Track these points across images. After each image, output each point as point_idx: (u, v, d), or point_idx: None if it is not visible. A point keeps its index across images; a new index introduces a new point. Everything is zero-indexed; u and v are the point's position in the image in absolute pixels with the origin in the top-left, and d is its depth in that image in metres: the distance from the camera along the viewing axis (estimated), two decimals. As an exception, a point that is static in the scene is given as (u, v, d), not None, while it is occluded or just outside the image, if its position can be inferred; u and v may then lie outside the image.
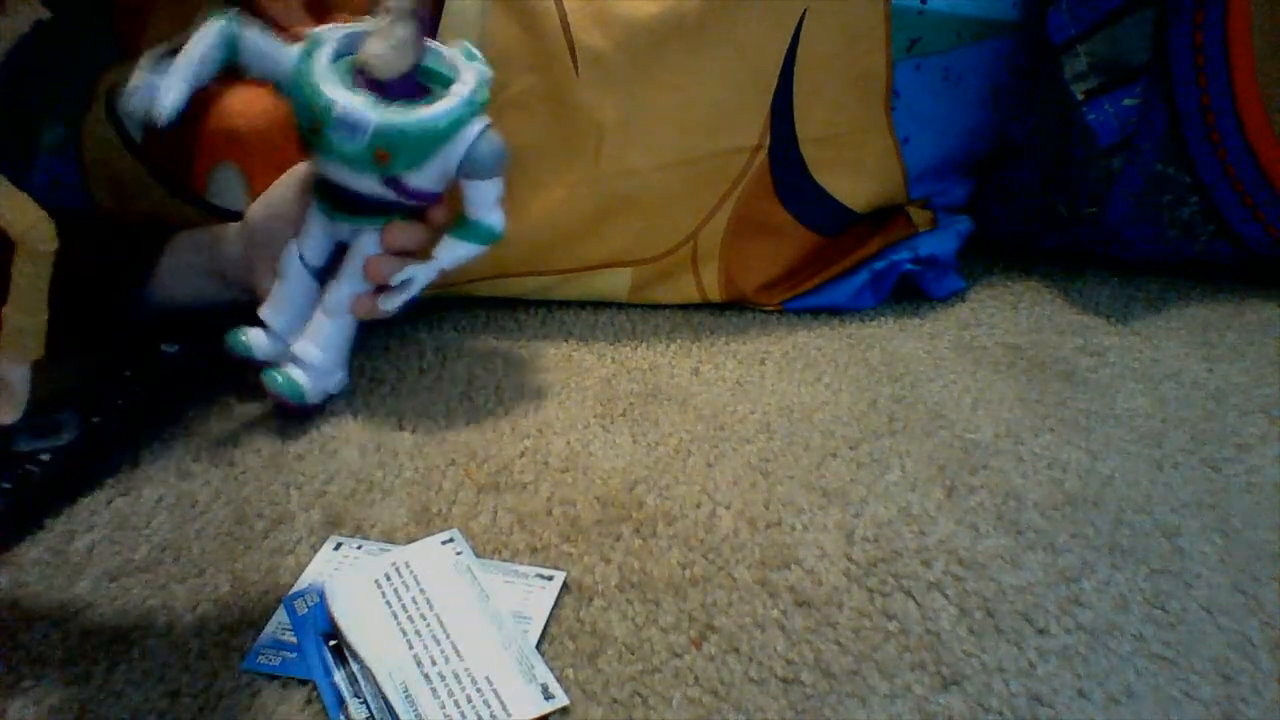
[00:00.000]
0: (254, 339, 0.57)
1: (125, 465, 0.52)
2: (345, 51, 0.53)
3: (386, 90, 0.52)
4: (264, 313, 0.57)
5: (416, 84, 0.53)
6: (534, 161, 0.64)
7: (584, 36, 0.62)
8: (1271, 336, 0.67)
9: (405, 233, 0.55)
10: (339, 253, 0.57)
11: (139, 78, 0.47)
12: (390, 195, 0.53)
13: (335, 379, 0.58)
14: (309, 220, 0.56)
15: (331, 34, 0.53)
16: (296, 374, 0.55)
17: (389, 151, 0.51)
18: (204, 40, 0.49)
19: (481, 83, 0.54)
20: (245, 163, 0.62)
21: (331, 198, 0.55)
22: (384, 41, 0.51)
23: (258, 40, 0.51)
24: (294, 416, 0.56)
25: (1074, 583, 0.44)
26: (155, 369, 0.58)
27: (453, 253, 0.56)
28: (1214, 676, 0.40)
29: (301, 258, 0.57)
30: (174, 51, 0.48)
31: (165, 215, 0.62)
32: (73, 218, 0.54)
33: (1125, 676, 0.40)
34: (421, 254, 0.56)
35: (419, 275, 0.56)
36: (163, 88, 0.47)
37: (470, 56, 0.56)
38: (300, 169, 0.58)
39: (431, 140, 0.52)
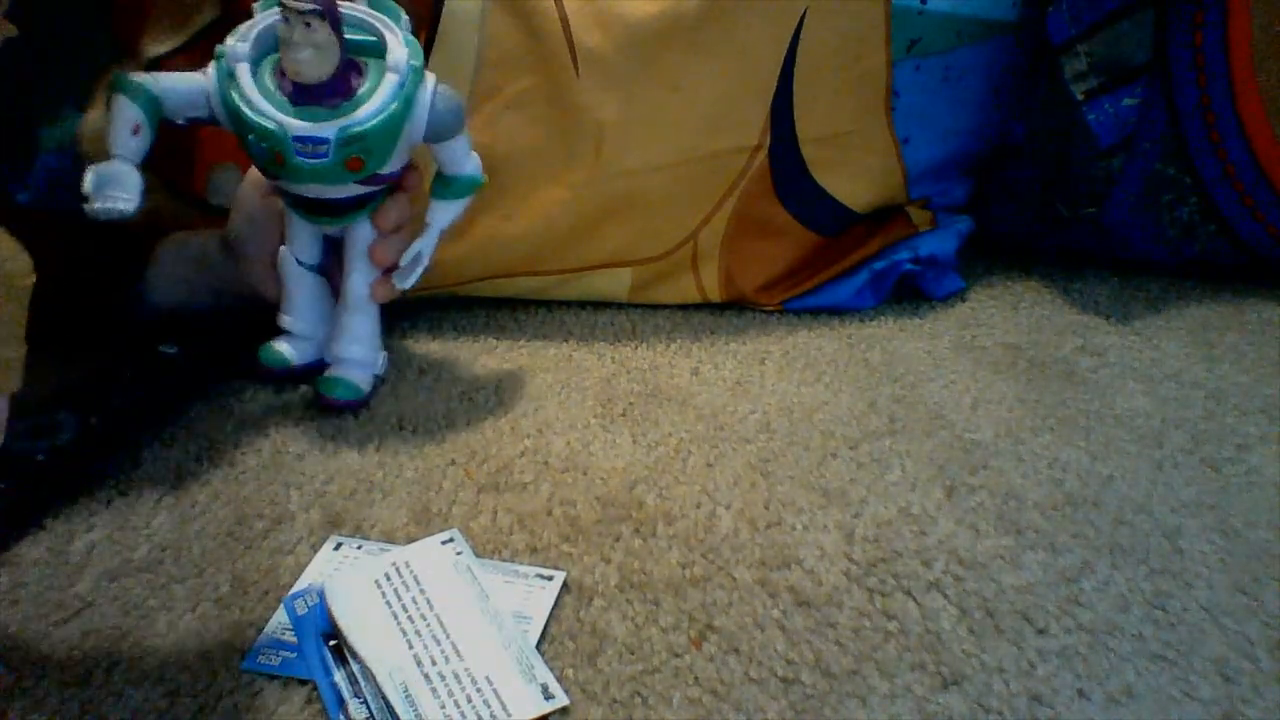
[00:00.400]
0: (286, 349, 0.58)
1: (125, 465, 0.52)
2: (261, 55, 0.51)
3: (323, 91, 0.49)
4: (284, 321, 0.58)
5: (350, 66, 0.50)
6: (534, 161, 0.64)
7: (584, 37, 0.62)
8: (1271, 336, 0.67)
9: (395, 210, 0.55)
10: (331, 242, 0.57)
11: (87, 185, 0.46)
12: (369, 189, 0.53)
13: (379, 363, 0.58)
14: (292, 225, 0.56)
15: (240, 47, 0.49)
16: (347, 375, 0.57)
17: (360, 156, 0.50)
18: (121, 122, 0.47)
19: (409, 39, 0.51)
20: (245, 163, 0.62)
21: (312, 208, 0.54)
22: (304, 49, 0.48)
23: (173, 86, 0.49)
24: (350, 411, 0.57)
25: (1074, 583, 0.44)
26: (154, 370, 0.58)
27: (444, 215, 0.56)
28: (1214, 676, 0.40)
29: (298, 260, 0.57)
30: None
31: (165, 216, 0.62)
32: (73, 218, 0.54)
33: (1125, 676, 0.40)
34: (415, 223, 0.56)
35: (424, 247, 0.56)
36: (111, 189, 0.46)
37: (373, 4, 0.52)
38: (255, 172, 0.57)
39: (395, 127, 0.50)
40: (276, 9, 0.49)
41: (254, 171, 0.57)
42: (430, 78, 0.51)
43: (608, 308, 0.70)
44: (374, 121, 0.49)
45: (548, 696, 0.38)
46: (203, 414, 0.57)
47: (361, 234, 0.55)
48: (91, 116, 0.62)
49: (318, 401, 0.57)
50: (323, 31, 0.48)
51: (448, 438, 0.55)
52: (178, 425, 0.56)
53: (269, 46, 0.51)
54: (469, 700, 0.38)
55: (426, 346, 0.64)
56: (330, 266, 0.58)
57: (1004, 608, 0.43)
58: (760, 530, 0.48)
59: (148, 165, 0.62)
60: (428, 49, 0.61)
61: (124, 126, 0.47)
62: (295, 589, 0.44)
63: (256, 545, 0.47)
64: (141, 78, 0.48)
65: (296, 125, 0.49)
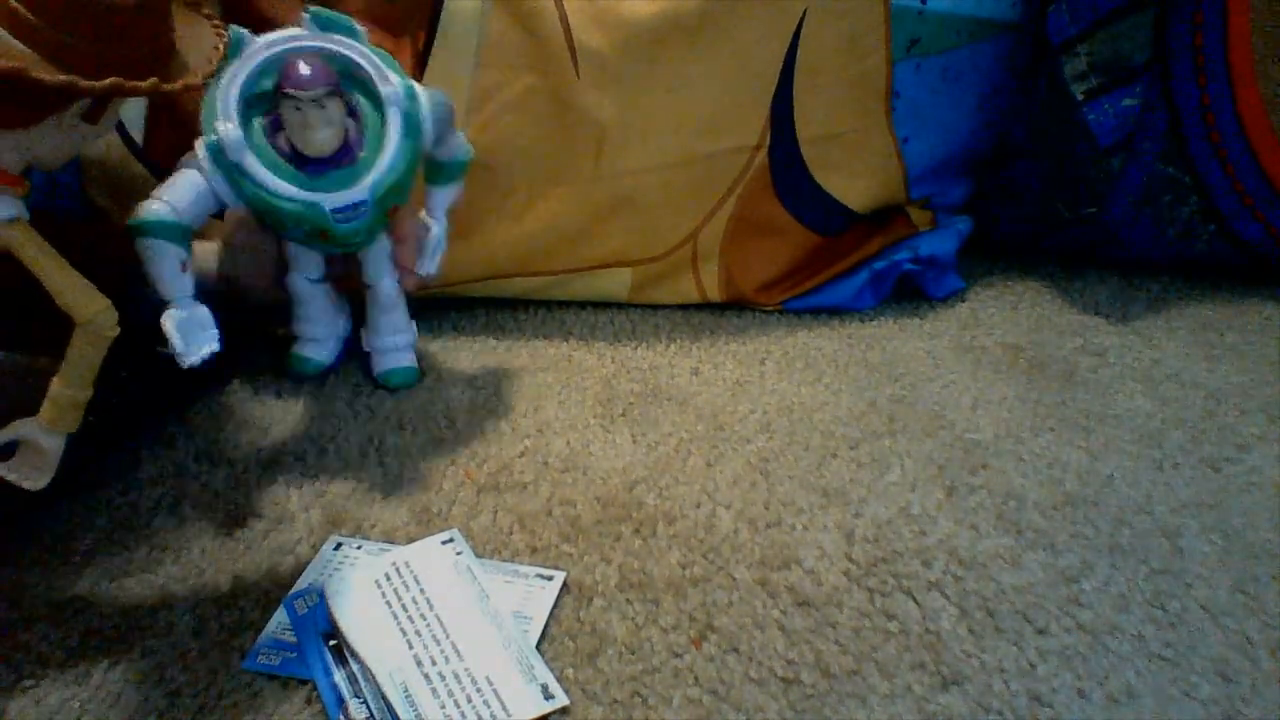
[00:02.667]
0: (314, 352, 0.60)
1: (125, 465, 0.52)
2: (250, 117, 0.49)
3: (336, 155, 0.49)
4: (303, 330, 0.60)
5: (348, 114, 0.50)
6: (534, 162, 0.64)
7: (584, 37, 0.62)
8: (1271, 336, 0.67)
9: (406, 219, 0.57)
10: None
11: (175, 343, 0.45)
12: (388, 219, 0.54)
13: (414, 334, 0.61)
14: (299, 253, 0.57)
15: (232, 133, 0.47)
16: (400, 362, 0.60)
17: (395, 200, 0.52)
18: (168, 264, 0.46)
19: (386, 60, 0.50)
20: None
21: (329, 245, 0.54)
22: (320, 130, 0.47)
23: (188, 206, 0.47)
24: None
25: (1074, 583, 0.44)
26: (152, 371, 0.58)
27: (446, 199, 0.57)
28: (1214, 676, 0.40)
29: (307, 279, 0.58)
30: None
31: None
32: (75, 218, 0.54)
33: (1125, 676, 0.40)
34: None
35: (439, 234, 0.57)
36: (195, 337, 0.45)
37: (323, 24, 0.50)
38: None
39: (414, 159, 0.51)
40: (237, 68, 0.48)
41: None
42: (419, 91, 0.52)
43: (608, 308, 0.70)
44: (399, 170, 0.50)
45: (548, 696, 0.38)
46: (203, 414, 0.57)
47: (380, 245, 0.57)
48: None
49: (377, 387, 0.60)
50: (335, 107, 0.48)
51: (448, 438, 0.55)
52: (178, 425, 0.56)
53: (245, 111, 0.48)
54: (469, 700, 0.38)
55: (427, 346, 0.64)
56: (332, 272, 0.59)
57: (1004, 608, 0.43)
58: (760, 530, 0.48)
59: (147, 167, 0.63)
60: (428, 49, 0.61)
61: (172, 269, 0.46)
62: (295, 589, 0.44)
63: (256, 545, 0.47)
64: (165, 214, 0.46)
65: (329, 198, 0.49)
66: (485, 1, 0.63)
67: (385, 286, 0.58)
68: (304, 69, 0.47)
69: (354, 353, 0.62)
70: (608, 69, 0.63)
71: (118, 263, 0.59)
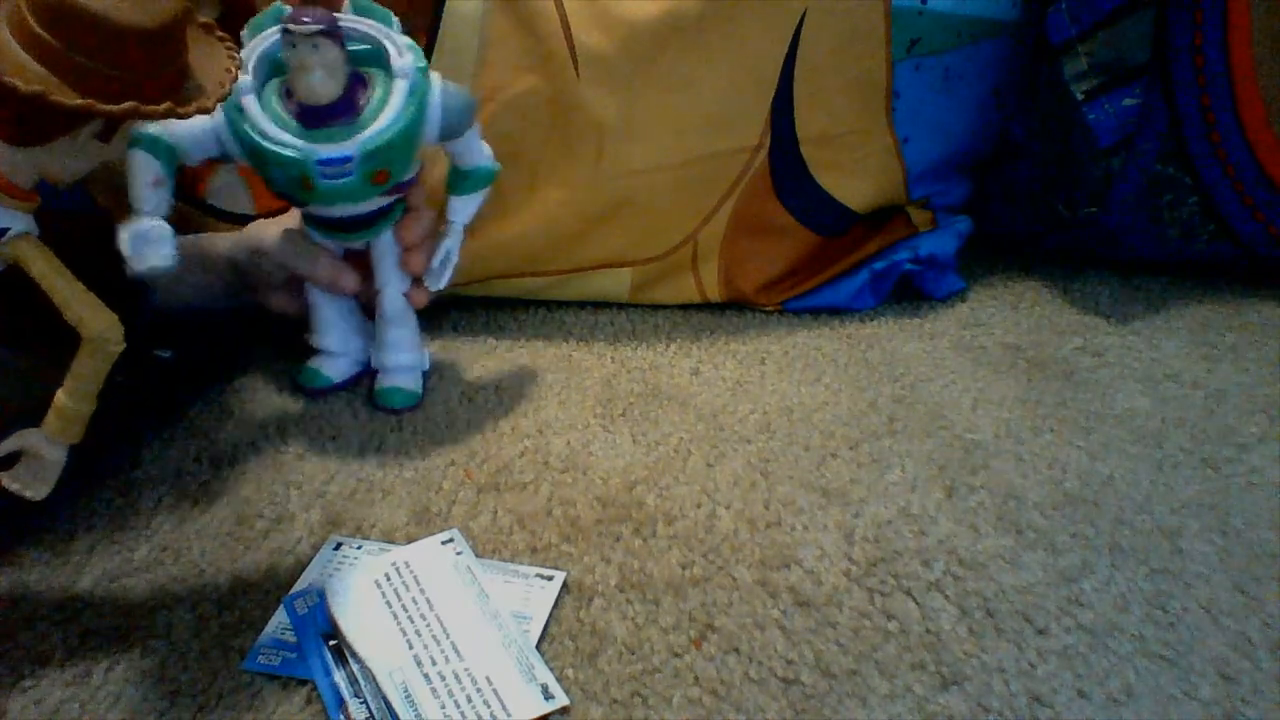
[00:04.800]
0: (325, 367, 0.59)
1: (125, 465, 0.52)
2: (265, 79, 0.50)
3: (334, 110, 0.49)
4: (317, 341, 0.59)
5: (356, 80, 0.50)
6: (534, 162, 0.64)
7: (584, 37, 0.62)
8: (1271, 336, 0.67)
9: (418, 226, 0.56)
10: (350, 258, 0.58)
11: (124, 247, 0.45)
12: (390, 200, 0.54)
13: (425, 362, 0.60)
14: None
15: (242, 79, 0.48)
16: (400, 383, 0.58)
17: (384, 168, 0.50)
18: (142, 177, 0.46)
19: (406, 40, 0.51)
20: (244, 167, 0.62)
21: (336, 225, 0.55)
22: (314, 72, 0.48)
23: (186, 132, 0.48)
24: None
25: (1074, 583, 0.44)
26: (149, 374, 0.58)
27: (465, 209, 0.56)
28: (1214, 676, 0.40)
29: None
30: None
31: (172, 218, 0.62)
32: (78, 218, 0.54)
33: (1125, 676, 0.40)
34: (437, 226, 0.57)
35: (451, 246, 0.57)
36: (147, 248, 0.45)
37: (360, 10, 0.52)
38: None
39: (412, 134, 0.51)
40: (270, 32, 0.50)
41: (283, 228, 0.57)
42: (436, 77, 0.52)
43: (608, 308, 0.70)
44: (392, 132, 0.49)
45: (548, 696, 0.38)
46: (203, 414, 0.57)
47: (387, 248, 0.56)
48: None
49: (374, 406, 0.58)
50: (331, 51, 0.48)
51: (448, 438, 0.55)
52: (178, 425, 0.56)
53: (267, 73, 0.50)
54: (469, 700, 0.38)
55: (427, 347, 0.64)
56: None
57: (1004, 608, 0.43)
58: (760, 530, 0.48)
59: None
60: (428, 50, 0.61)
61: (145, 181, 0.46)
62: (295, 589, 0.44)
63: (256, 545, 0.47)
64: (155, 129, 0.47)
65: (318, 149, 0.49)
66: (485, 2, 0.63)
67: (390, 297, 0.57)
68: (304, 10, 0.47)
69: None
70: (608, 69, 0.63)
71: (120, 262, 0.59)
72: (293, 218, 0.58)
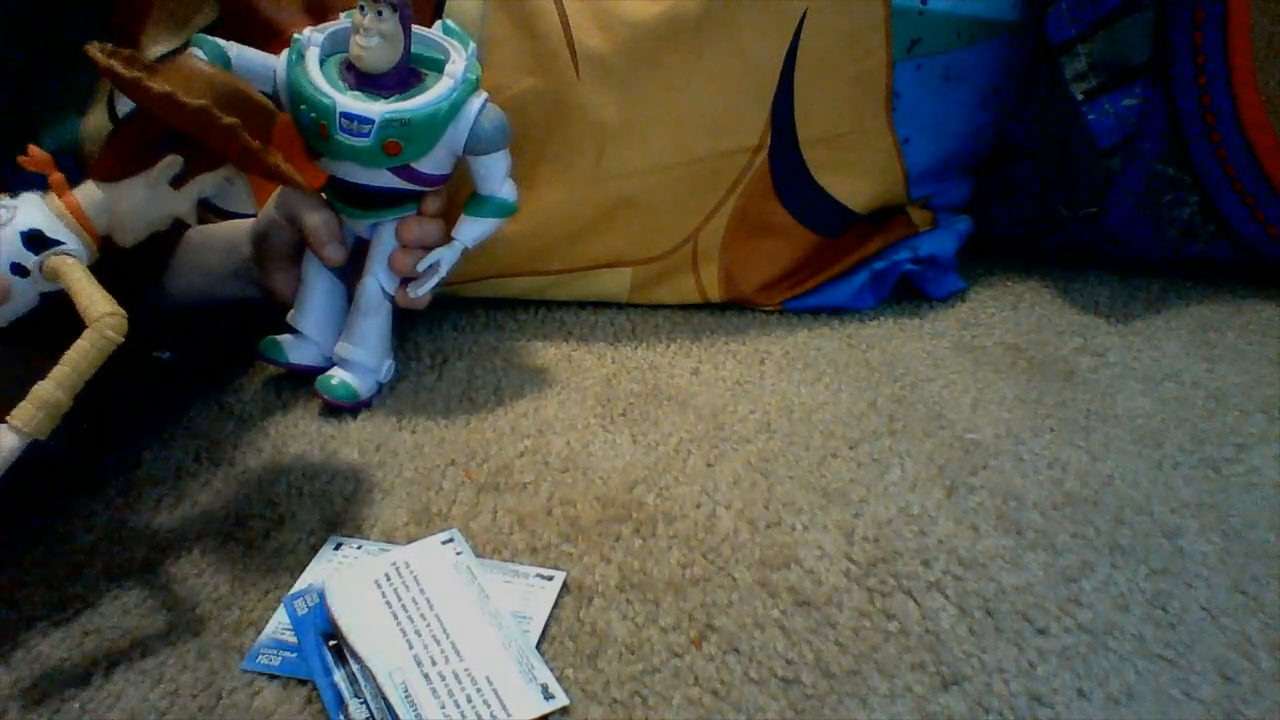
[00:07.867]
0: (289, 345, 0.59)
1: (125, 465, 0.52)
2: (333, 50, 0.54)
3: (381, 83, 0.52)
4: (293, 318, 0.59)
5: (409, 71, 0.53)
6: (534, 162, 0.64)
7: (584, 38, 0.62)
8: (1271, 336, 0.67)
9: (421, 227, 0.56)
10: (357, 247, 0.58)
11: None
12: (403, 184, 0.54)
13: (384, 369, 0.59)
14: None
15: (315, 35, 0.53)
16: (347, 376, 0.57)
17: (398, 141, 0.52)
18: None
19: (472, 58, 0.54)
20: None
21: (345, 197, 0.56)
22: (372, 36, 0.51)
23: (245, 55, 0.52)
24: (348, 412, 0.58)
25: (1074, 583, 0.44)
26: (148, 375, 0.58)
27: (472, 231, 0.57)
28: (1214, 676, 0.40)
29: (320, 264, 0.57)
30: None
31: None
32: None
33: (1125, 676, 0.40)
34: (441, 240, 0.57)
35: (444, 258, 0.57)
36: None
37: (449, 32, 0.56)
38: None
39: (436, 124, 0.52)
40: (348, 14, 0.53)
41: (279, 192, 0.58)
42: (482, 93, 0.54)
43: (608, 308, 0.70)
44: (418, 113, 0.52)
45: (548, 696, 0.38)
46: (203, 414, 0.57)
47: (386, 238, 0.57)
48: (92, 118, 0.62)
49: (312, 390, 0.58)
50: (391, 23, 0.51)
51: (448, 438, 0.55)
52: (178, 425, 0.56)
53: (343, 48, 0.53)
54: (469, 700, 0.38)
55: (426, 346, 0.64)
56: (349, 274, 0.59)
57: (1004, 608, 0.43)
58: (760, 530, 0.48)
59: None
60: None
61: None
62: (295, 589, 0.44)
63: (256, 545, 0.47)
64: (221, 41, 0.51)
65: (345, 102, 0.51)
66: (486, 3, 0.63)
67: (368, 285, 0.57)
68: None
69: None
70: (608, 70, 0.63)
71: (129, 259, 0.60)
72: None
